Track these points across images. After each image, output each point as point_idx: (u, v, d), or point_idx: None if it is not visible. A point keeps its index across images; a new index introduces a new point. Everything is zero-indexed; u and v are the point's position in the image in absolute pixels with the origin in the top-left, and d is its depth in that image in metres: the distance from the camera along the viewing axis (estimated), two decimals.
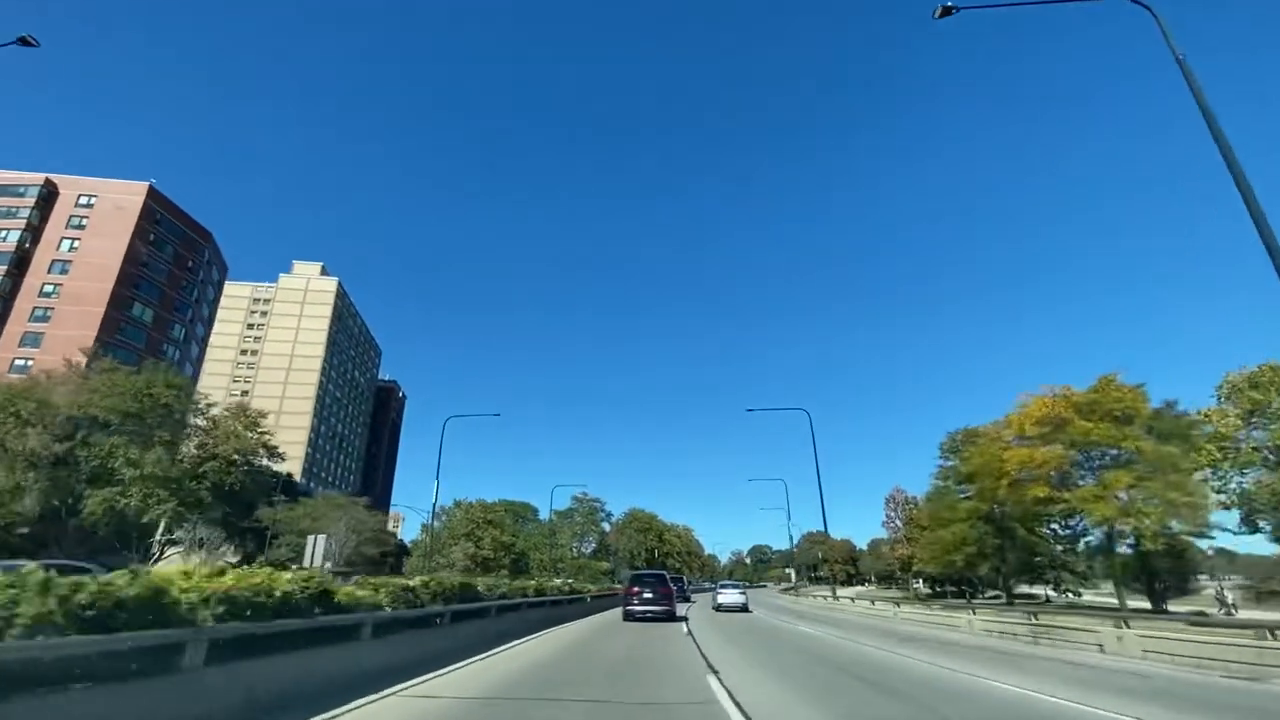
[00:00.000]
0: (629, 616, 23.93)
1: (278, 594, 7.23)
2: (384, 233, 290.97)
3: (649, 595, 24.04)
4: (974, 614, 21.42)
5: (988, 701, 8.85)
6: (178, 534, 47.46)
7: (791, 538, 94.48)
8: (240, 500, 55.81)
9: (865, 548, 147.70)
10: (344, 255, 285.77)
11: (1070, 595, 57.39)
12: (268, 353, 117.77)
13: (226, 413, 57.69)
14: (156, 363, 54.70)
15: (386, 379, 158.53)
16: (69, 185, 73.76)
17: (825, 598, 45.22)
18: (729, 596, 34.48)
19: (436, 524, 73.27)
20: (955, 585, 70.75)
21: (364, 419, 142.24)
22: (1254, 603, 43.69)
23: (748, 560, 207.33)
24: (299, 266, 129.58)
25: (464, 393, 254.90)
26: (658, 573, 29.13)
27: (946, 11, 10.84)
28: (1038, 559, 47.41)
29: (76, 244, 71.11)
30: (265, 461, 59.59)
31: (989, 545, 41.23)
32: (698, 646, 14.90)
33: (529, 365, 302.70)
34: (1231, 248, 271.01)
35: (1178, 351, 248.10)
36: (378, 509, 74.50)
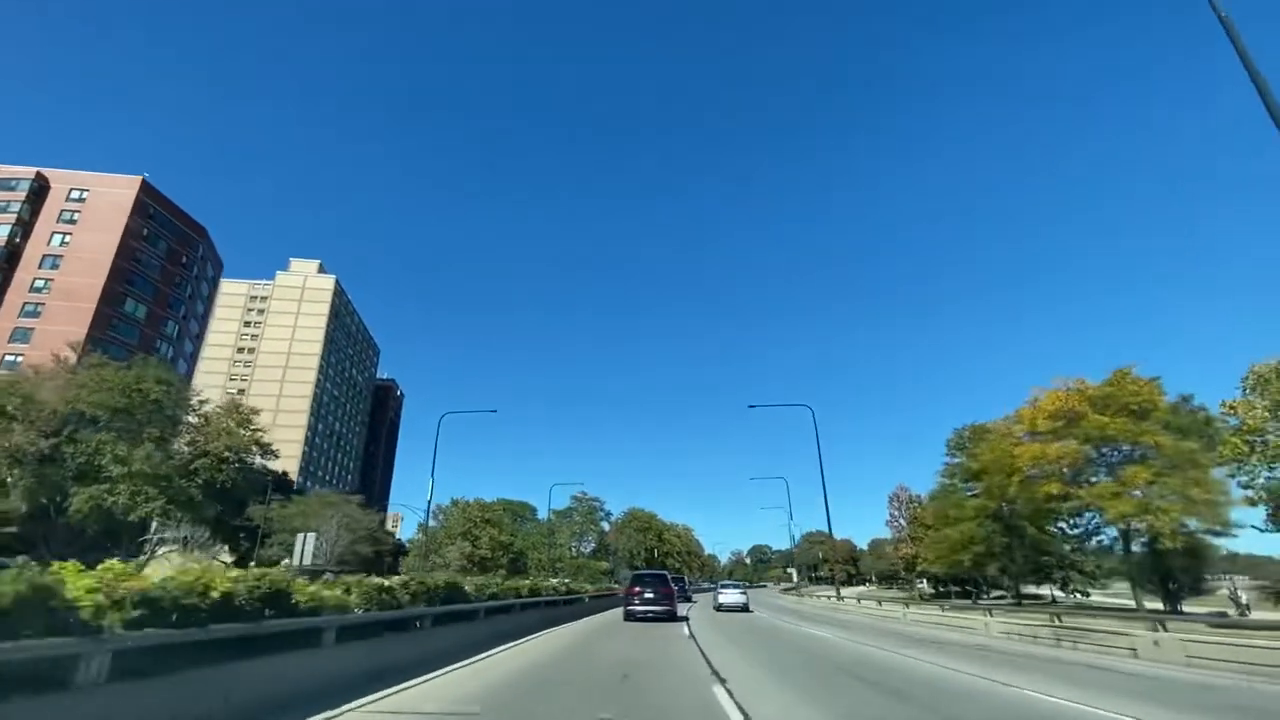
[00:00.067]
0: (630, 616, 23.61)
1: (215, 594, 6.19)
2: (383, 232, 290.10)
3: (650, 595, 23.80)
4: (991, 615, 20.38)
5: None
6: (169, 532, 46.39)
7: (793, 537, 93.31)
8: (233, 498, 54.73)
9: (866, 547, 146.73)
10: (343, 254, 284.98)
11: (1078, 595, 56.38)
12: (265, 351, 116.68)
13: (219, 409, 56.64)
14: (147, 358, 53.53)
15: (385, 378, 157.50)
16: (61, 179, 72.68)
17: (829, 598, 44.17)
18: (730, 596, 34.45)
19: (433, 523, 72.26)
20: (959, 585, 69.71)
21: (362, 418, 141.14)
22: (1270, 603, 42.68)
23: (748, 560, 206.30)
24: (296, 264, 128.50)
25: (463, 392, 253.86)
26: (659, 573, 28.76)
27: None
28: (1046, 558, 46.40)
29: (68, 239, 70.03)
30: (259, 459, 58.59)
31: (997, 544, 40.16)
32: (701, 651, 13.87)
33: (528, 365, 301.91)
34: (1231, 248, 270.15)
35: (1177, 351, 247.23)
36: (375, 508, 73.49)
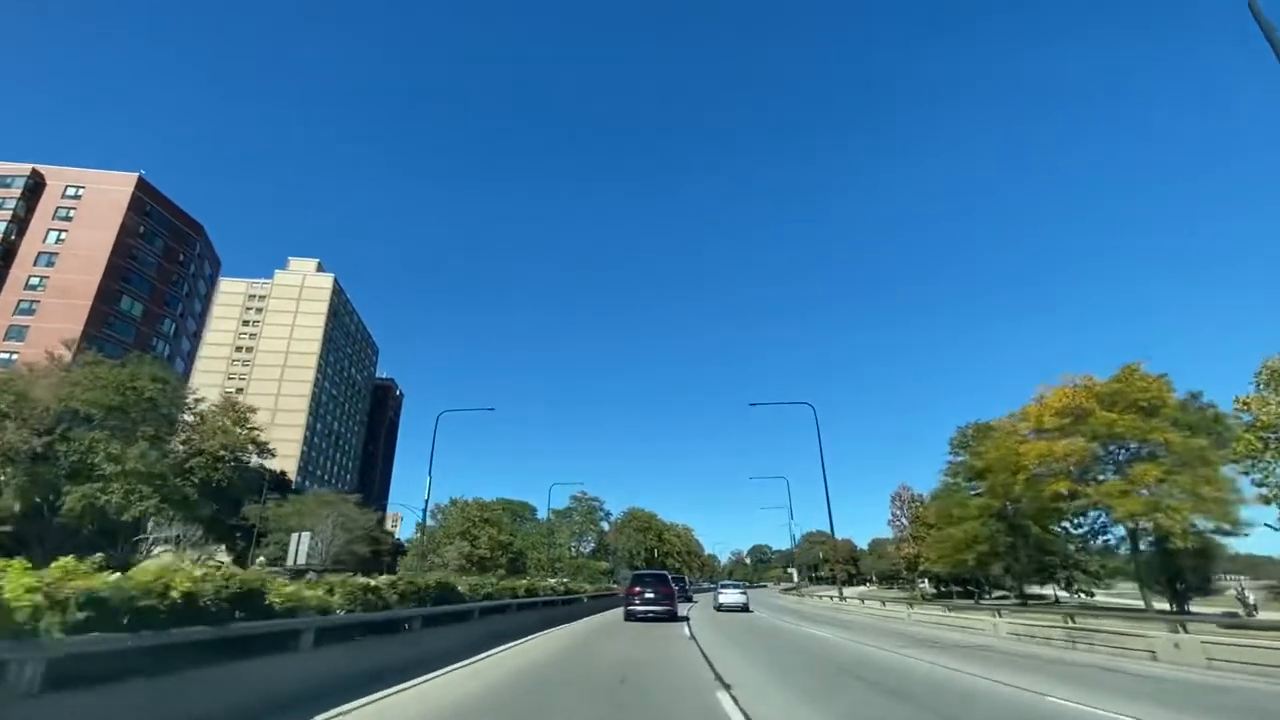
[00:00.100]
0: (630, 616, 23.54)
1: (175, 595, 5.69)
2: (383, 231, 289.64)
3: (650, 595, 23.76)
4: (999, 616, 19.87)
5: None
6: (166, 532, 45.85)
7: (793, 537, 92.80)
8: (229, 498, 54.23)
9: (866, 547, 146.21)
10: (342, 254, 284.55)
11: (1082, 596, 55.83)
12: (263, 350, 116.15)
13: (215, 408, 56.15)
14: (142, 356, 53.04)
15: (384, 377, 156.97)
16: (56, 176, 72.18)
17: (831, 598, 43.67)
18: (730, 596, 34.69)
19: (432, 523, 71.75)
20: (960, 585, 69.18)
21: (361, 417, 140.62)
22: (1278, 603, 42.18)
23: (748, 560, 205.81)
24: (295, 263, 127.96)
25: (463, 392, 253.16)
26: (659, 573, 28.67)
27: None
28: (1049, 558, 45.87)
29: (63, 236, 69.52)
30: (255, 458, 58.09)
31: (1001, 543, 39.64)
32: (702, 652, 13.36)
33: (528, 364, 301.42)
34: (1234, 247, 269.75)
35: (1179, 350, 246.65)
36: (374, 508, 73.01)
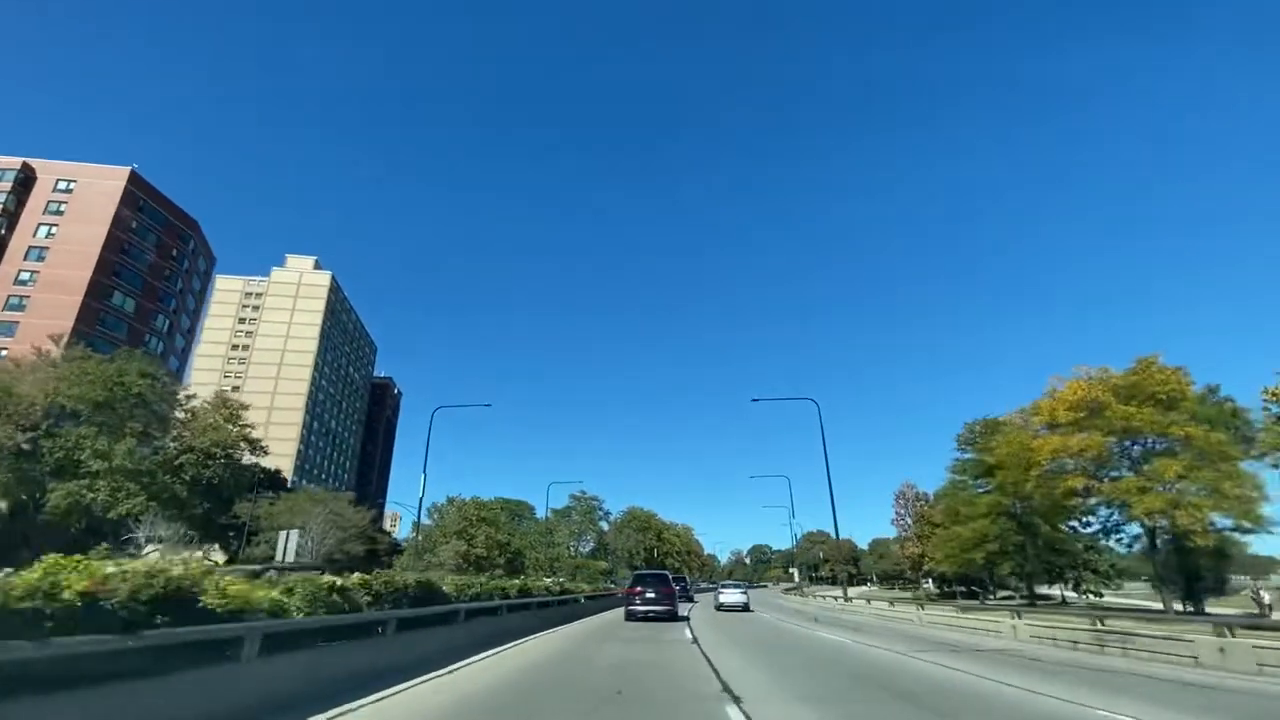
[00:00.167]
0: (631, 616, 23.54)
1: (67, 596, 4.65)
2: (383, 231, 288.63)
3: (651, 595, 23.77)
4: (1019, 618, 18.82)
5: None
6: (159, 531, 44.77)
7: (794, 536, 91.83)
8: (221, 496, 53.22)
9: (867, 547, 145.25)
10: (342, 253, 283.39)
11: (1090, 596, 54.79)
12: (259, 348, 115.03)
13: (206, 404, 55.13)
14: (131, 351, 51.98)
15: (382, 376, 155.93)
16: (47, 170, 71.12)
17: (835, 598, 42.56)
18: (730, 596, 34.91)
19: (429, 521, 70.65)
20: (964, 585, 68.12)
21: (359, 416, 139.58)
22: None
23: (747, 560, 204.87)
24: (292, 260, 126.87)
25: (462, 391, 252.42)
26: (660, 572, 28.57)
27: None
28: (1058, 558, 44.83)
29: (54, 230, 68.45)
30: (248, 455, 57.08)
31: (1010, 542, 38.58)
32: (706, 658, 12.31)
33: (528, 363, 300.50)
34: (1234, 247, 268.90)
35: (1180, 350, 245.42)
36: (372, 507, 71.83)
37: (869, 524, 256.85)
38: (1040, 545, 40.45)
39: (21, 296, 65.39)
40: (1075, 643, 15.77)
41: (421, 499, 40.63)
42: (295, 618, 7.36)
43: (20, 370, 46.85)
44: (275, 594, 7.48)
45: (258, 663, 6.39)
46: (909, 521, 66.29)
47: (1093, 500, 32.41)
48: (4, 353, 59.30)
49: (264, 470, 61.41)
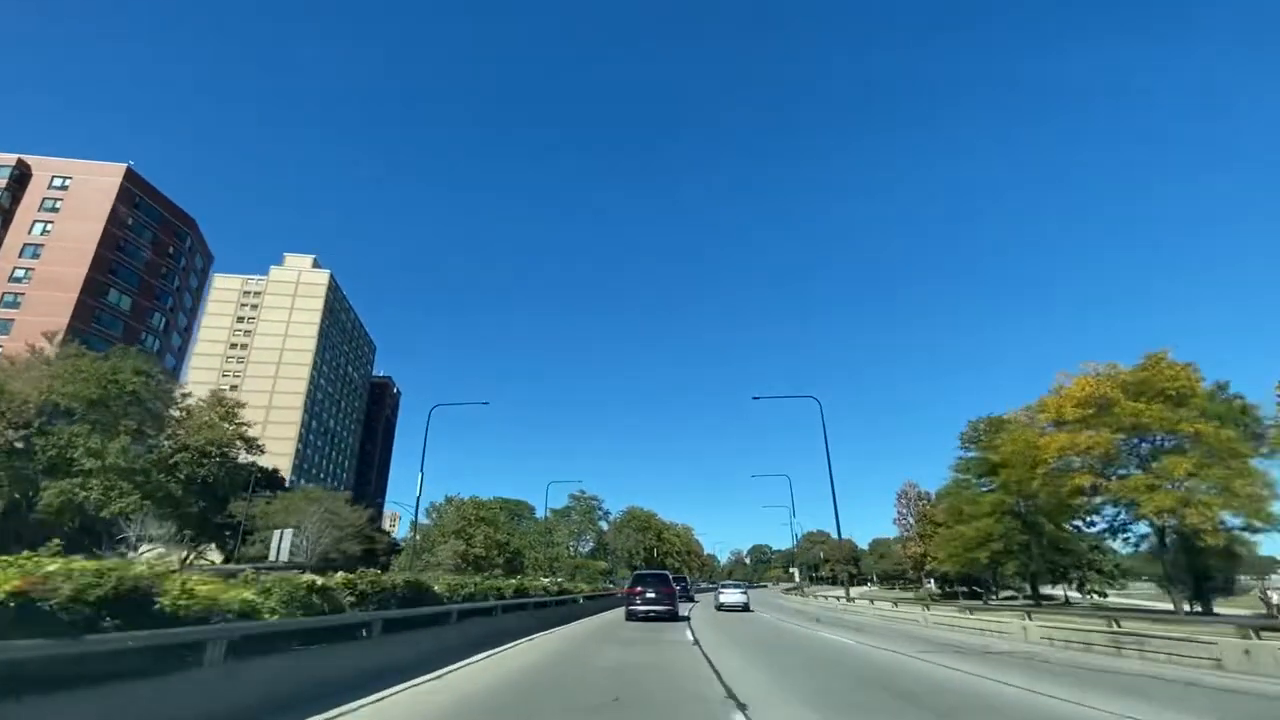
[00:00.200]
0: (632, 616, 23.61)
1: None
2: (383, 231, 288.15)
3: (652, 595, 23.82)
4: (1029, 618, 18.31)
5: None
6: (155, 530, 44.19)
7: (795, 535, 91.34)
8: (217, 495, 52.67)
9: (867, 547, 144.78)
10: (342, 253, 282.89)
11: (1094, 596, 54.27)
12: (258, 346, 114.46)
13: (201, 402, 54.56)
14: (126, 348, 51.43)
15: (381, 375, 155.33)
16: (43, 166, 70.58)
17: (837, 599, 42.05)
18: (731, 596, 35.04)
19: (427, 521, 70.15)
20: (966, 585, 67.57)
21: (358, 415, 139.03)
22: None
23: (747, 560, 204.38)
24: (290, 259, 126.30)
25: (461, 391, 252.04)
26: (660, 572, 28.50)
27: None
28: (1062, 557, 44.31)
29: (49, 227, 67.91)
30: (244, 454, 56.50)
31: (1015, 541, 38.05)
32: (710, 663, 11.79)
33: (527, 364, 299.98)
34: (1236, 247, 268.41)
35: (1182, 349, 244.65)
36: (369, 506, 71.27)
37: (869, 524, 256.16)
38: (1045, 545, 39.92)
39: (16, 294, 64.86)
40: (1088, 645, 15.26)
41: (419, 498, 40.10)
42: (268, 620, 6.85)
43: (14, 368, 46.33)
44: (249, 594, 6.98)
45: (222, 669, 5.88)
46: (911, 521, 65.76)
47: (1099, 499, 31.89)
48: None
49: (261, 469, 60.87)
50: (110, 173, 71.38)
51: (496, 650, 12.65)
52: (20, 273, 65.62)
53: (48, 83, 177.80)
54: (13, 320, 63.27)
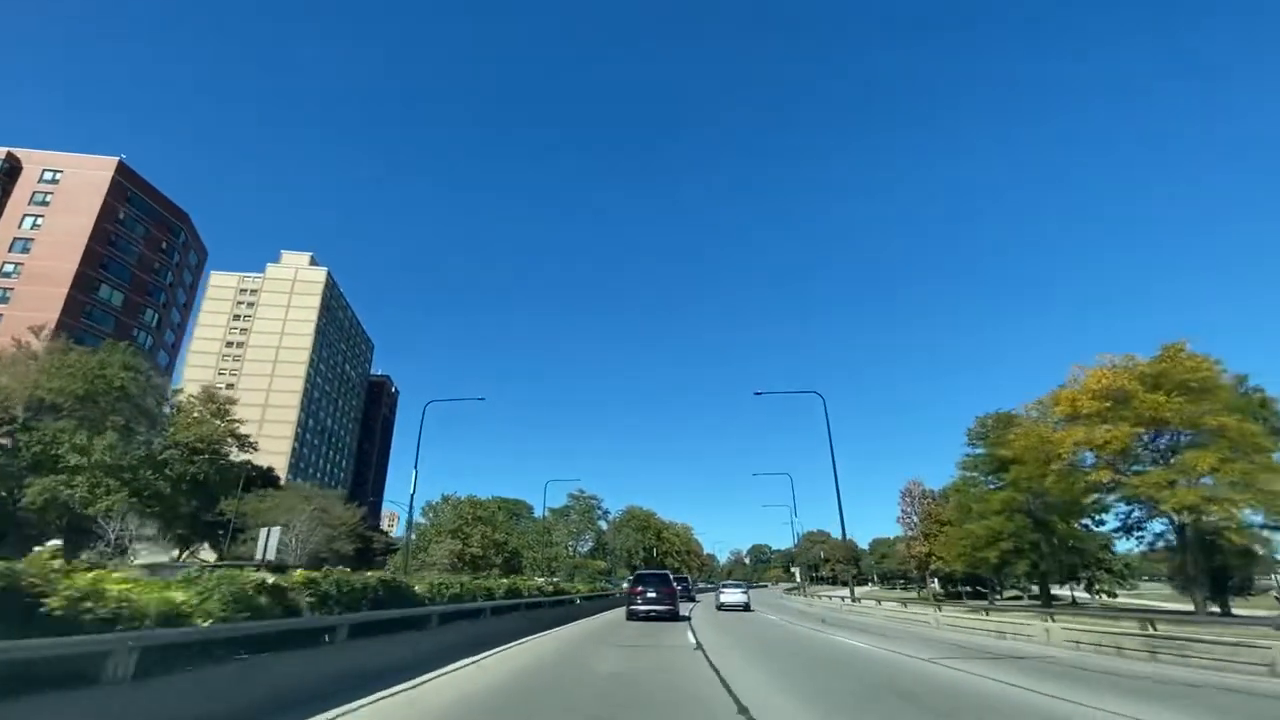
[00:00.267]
0: (633, 616, 23.54)
1: None
2: (382, 231, 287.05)
3: (653, 595, 23.81)
4: (1052, 620, 17.27)
5: None
6: (129, 527, 43.07)
7: (795, 534, 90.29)
8: (209, 492, 51.63)
9: (867, 547, 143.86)
10: (342, 253, 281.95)
11: (1103, 596, 53.28)
12: (254, 344, 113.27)
13: (192, 399, 53.55)
14: (114, 343, 50.36)
15: (379, 374, 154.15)
16: (33, 160, 69.51)
17: (843, 599, 41.04)
18: (732, 596, 35.20)
19: (424, 520, 69.10)
20: (970, 585, 66.50)
21: (355, 414, 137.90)
22: None
23: (747, 560, 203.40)
24: (287, 256, 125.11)
25: (460, 390, 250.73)
26: (661, 572, 28.41)
27: None
28: (1073, 556, 43.22)
29: (40, 221, 66.84)
30: (236, 452, 55.46)
31: (1026, 540, 36.99)
32: (715, 671, 10.73)
33: (527, 364, 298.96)
34: (1236, 247, 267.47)
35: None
36: (362, 505, 70.22)
37: (870, 524, 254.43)
38: (1055, 544, 38.87)
39: (5, 289, 63.80)
40: (1119, 649, 14.21)
41: (413, 495, 38.91)
42: (200, 624, 5.79)
43: (0, 363, 45.29)
44: (178, 596, 5.93)
45: (133, 686, 4.83)
46: (915, 520, 64.68)
47: (1113, 496, 30.86)
48: None
49: (256, 467, 59.85)
50: (102, 166, 70.30)
51: (483, 655, 11.60)
52: (9, 267, 64.57)
53: (46, 80, 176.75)
54: (1, 315, 62.15)
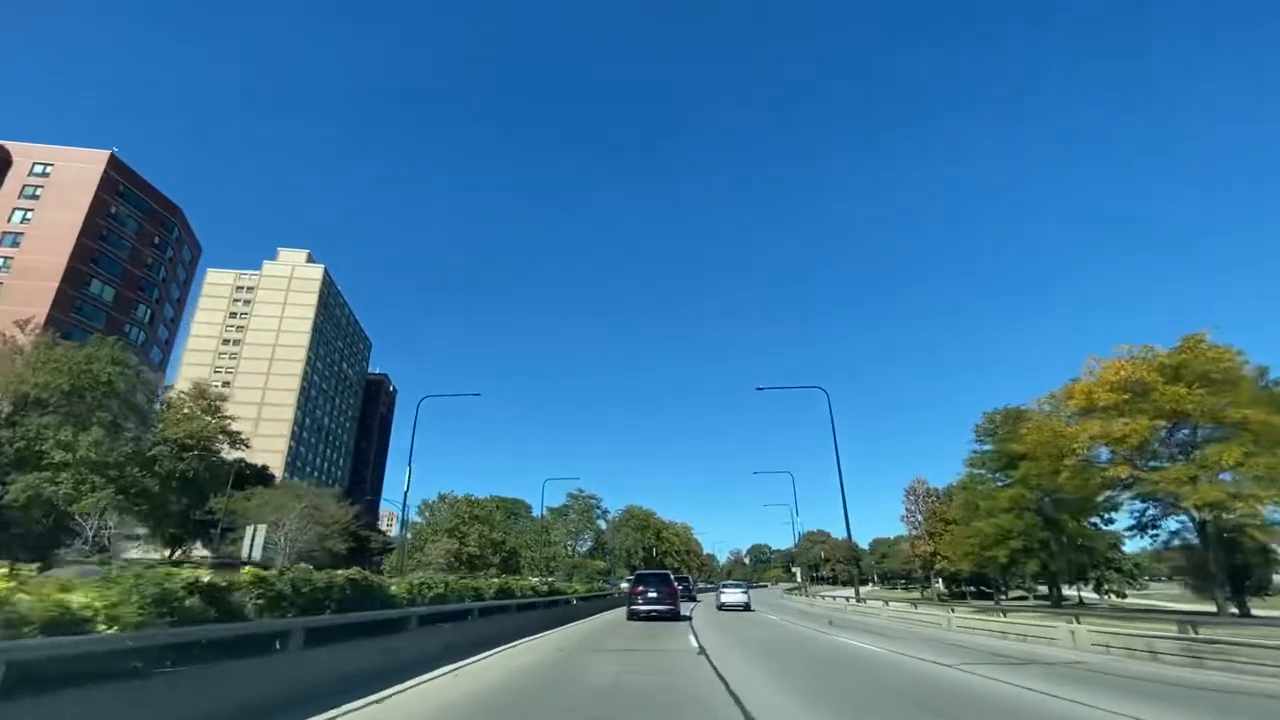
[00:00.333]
0: (634, 615, 23.46)
1: None
2: (382, 230, 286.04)
3: (653, 595, 23.73)
4: (1078, 622, 16.26)
5: None
6: (109, 523, 41.97)
7: (796, 534, 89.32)
8: (200, 490, 50.58)
9: (867, 547, 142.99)
10: (341, 252, 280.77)
11: (1112, 596, 52.24)
12: (250, 342, 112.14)
13: (182, 394, 52.48)
14: (102, 338, 49.29)
15: (377, 372, 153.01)
16: (23, 153, 68.42)
17: (847, 599, 39.99)
18: (732, 596, 35.09)
19: (420, 519, 68.08)
20: (974, 585, 65.49)
21: (352, 413, 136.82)
22: None
23: (747, 560, 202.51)
24: (284, 254, 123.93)
25: (459, 389, 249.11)
26: (661, 572, 28.27)
27: None
28: (1083, 555, 42.22)
29: (30, 215, 65.73)
30: (228, 448, 54.40)
31: (1035, 539, 35.96)
32: (721, 679, 9.70)
33: (527, 363, 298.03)
34: (1237, 247, 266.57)
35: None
36: (356, 503, 69.17)
37: (870, 524, 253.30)
38: (1065, 542, 37.85)
39: None
40: (1154, 653, 13.19)
41: (406, 492, 37.98)
42: (104, 631, 4.77)
43: None
44: (78, 598, 4.89)
45: (14, 705, 3.81)
46: (919, 519, 63.64)
47: (1129, 493, 29.83)
48: None
49: (250, 465, 58.83)
50: (93, 160, 69.25)
51: (468, 661, 10.58)
52: None
53: (47, 77, 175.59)
54: None
